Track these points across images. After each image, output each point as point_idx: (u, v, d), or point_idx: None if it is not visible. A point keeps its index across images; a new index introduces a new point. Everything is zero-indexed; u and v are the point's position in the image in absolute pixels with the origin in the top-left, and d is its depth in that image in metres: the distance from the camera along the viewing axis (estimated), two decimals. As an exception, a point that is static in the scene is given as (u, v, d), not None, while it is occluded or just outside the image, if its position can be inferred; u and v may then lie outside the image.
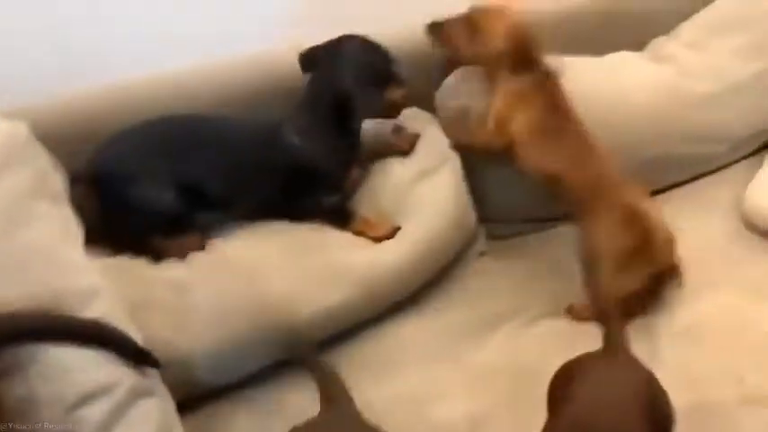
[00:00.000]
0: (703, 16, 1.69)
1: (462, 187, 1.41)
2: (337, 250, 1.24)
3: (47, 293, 0.86)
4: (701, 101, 1.54)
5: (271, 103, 1.31)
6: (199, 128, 1.25)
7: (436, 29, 1.35)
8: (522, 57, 1.31)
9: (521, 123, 1.31)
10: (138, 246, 1.18)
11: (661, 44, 1.66)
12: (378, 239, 1.28)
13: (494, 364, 1.19)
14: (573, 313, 1.27)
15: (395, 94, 1.33)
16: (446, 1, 1.37)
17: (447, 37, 1.36)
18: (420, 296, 1.32)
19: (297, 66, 1.32)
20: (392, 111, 1.37)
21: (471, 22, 1.34)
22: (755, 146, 1.63)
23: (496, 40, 1.31)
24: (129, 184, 1.17)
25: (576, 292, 1.24)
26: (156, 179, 1.18)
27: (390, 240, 1.28)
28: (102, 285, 0.94)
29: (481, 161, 1.43)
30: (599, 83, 1.44)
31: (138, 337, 0.94)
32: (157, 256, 1.18)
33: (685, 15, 1.71)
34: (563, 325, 1.26)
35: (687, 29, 1.67)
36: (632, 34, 1.68)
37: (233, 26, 1.49)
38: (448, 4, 1.36)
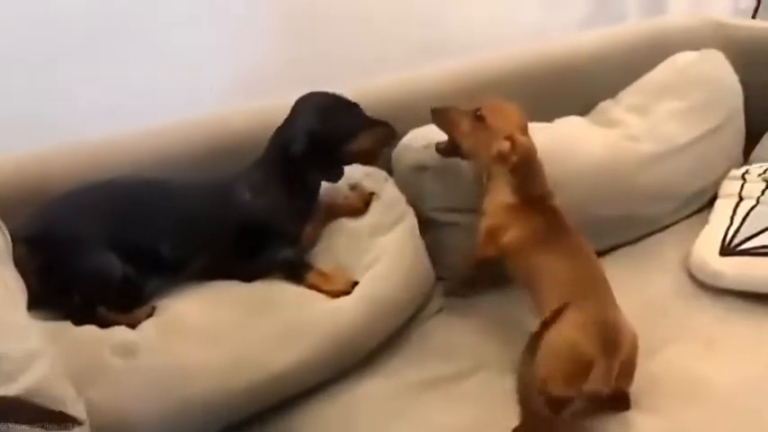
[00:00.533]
0: (644, 82, 1.78)
1: (420, 244, 1.41)
2: (292, 308, 1.22)
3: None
4: (647, 162, 1.60)
5: (220, 165, 1.30)
6: (147, 190, 1.22)
7: (440, 115, 1.33)
8: (524, 169, 1.26)
9: (512, 237, 1.26)
10: (83, 315, 1.12)
11: (607, 108, 1.73)
12: (334, 294, 1.25)
13: (456, 423, 1.16)
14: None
15: (364, 142, 1.31)
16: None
17: (450, 125, 1.33)
18: (379, 353, 1.30)
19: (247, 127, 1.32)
20: (368, 159, 1.36)
21: (479, 118, 1.30)
22: (700, 204, 1.69)
23: (501, 143, 1.26)
24: (73, 250, 1.11)
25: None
26: (101, 245, 1.13)
27: (347, 296, 1.25)
28: (41, 349, 0.89)
29: (433, 221, 1.44)
30: (552, 145, 1.49)
31: (77, 402, 0.89)
32: (104, 325, 1.12)
33: (625, 80, 1.80)
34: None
35: (630, 94, 1.76)
36: (577, 98, 1.75)
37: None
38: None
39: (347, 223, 1.36)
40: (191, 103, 1.41)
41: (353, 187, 1.41)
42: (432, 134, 1.44)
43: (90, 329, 1.11)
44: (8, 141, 1.29)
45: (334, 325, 1.22)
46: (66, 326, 1.10)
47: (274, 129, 1.31)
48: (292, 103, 1.32)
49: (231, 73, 1.61)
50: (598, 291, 1.19)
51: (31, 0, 1.40)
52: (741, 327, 1.34)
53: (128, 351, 1.08)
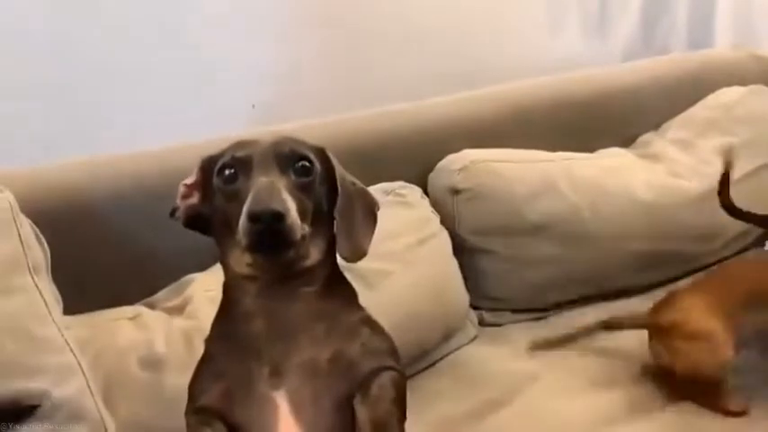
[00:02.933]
0: (688, 116, 1.75)
1: (453, 262, 1.40)
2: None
3: (19, 369, 0.83)
4: (692, 200, 1.56)
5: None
6: None
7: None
8: None
9: None
10: None
11: (649, 141, 1.70)
12: None
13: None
14: None
15: None
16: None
17: None
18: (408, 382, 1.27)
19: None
20: None
21: None
22: (744, 243, 1.64)
23: None
24: None
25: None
26: None
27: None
28: (75, 362, 0.90)
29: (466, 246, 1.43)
30: (597, 177, 1.46)
31: (108, 415, 0.89)
32: None
33: (667, 113, 1.77)
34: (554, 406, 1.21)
35: (674, 128, 1.72)
36: (618, 129, 1.72)
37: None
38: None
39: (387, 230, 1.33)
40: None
41: (388, 192, 1.38)
42: (468, 158, 1.43)
43: (118, 337, 1.10)
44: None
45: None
46: (96, 333, 1.08)
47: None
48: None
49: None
50: None
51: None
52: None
53: (154, 365, 1.06)
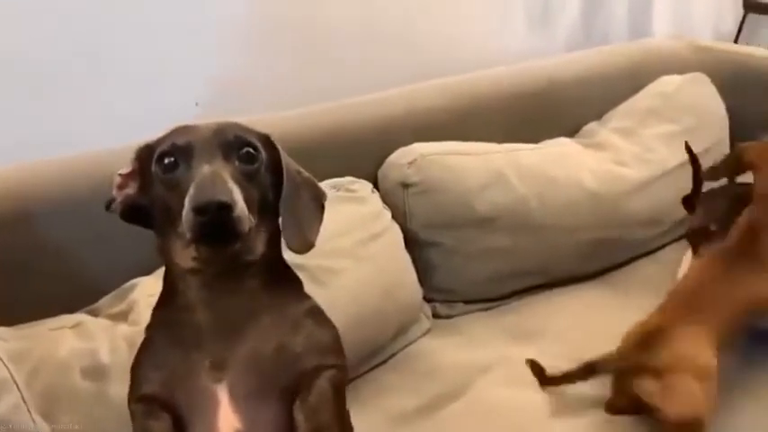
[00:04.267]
0: (630, 105, 1.79)
1: (405, 257, 1.39)
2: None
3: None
4: (637, 187, 1.59)
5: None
6: None
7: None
8: None
9: None
10: None
11: (593, 131, 1.73)
12: None
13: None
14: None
15: None
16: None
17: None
18: (363, 378, 1.27)
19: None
20: None
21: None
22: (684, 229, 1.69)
23: None
24: None
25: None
26: None
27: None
28: (9, 377, 0.88)
29: (418, 239, 1.43)
30: (541, 166, 1.47)
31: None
32: None
33: (610, 103, 1.80)
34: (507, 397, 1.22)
35: (616, 117, 1.76)
36: (562, 120, 1.75)
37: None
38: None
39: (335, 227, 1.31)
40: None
41: (338, 188, 1.36)
42: (417, 151, 1.43)
43: (59, 348, 1.05)
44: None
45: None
46: (35, 344, 1.04)
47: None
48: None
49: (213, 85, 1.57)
50: None
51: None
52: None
53: (98, 375, 1.02)
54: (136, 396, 0.79)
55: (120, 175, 0.85)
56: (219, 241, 0.75)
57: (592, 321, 1.30)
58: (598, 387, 1.20)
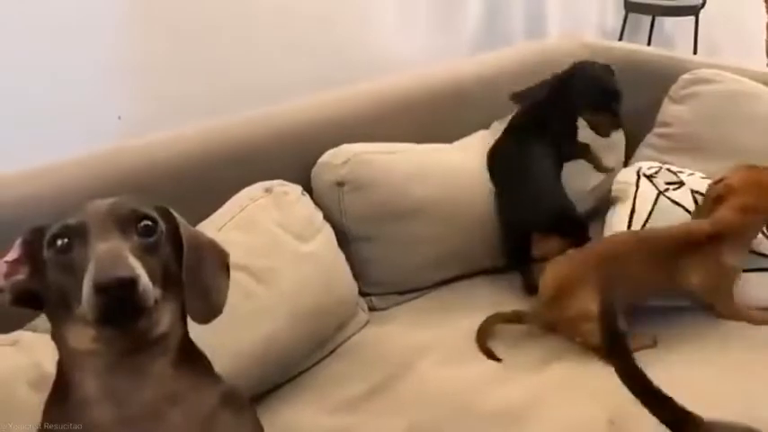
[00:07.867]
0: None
1: (339, 254, 1.44)
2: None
3: None
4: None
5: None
6: None
7: None
8: None
9: None
10: None
11: (498, 129, 1.82)
12: None
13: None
14: None
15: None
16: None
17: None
18: (310, 371, 1.31)
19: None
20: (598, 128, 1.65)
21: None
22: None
23: None
24: None
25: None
26: None
27: (267, 311, 1.24)
28: None
29: (352, 236, 1.48)
30: (463, 164, 1.55)
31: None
32: None
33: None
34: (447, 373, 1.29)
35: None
36: (473, 117, 1.85)
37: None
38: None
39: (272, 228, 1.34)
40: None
41: (269, 191, 1.39)
42: (350, 151, 1.49)
43: (1, 366, 1.03)
44: None
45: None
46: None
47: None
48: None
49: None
50: None
51: None
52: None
53: (47, 384, 1.00)
54: None
55: (5, 262, 0.79)
56: (125, 319, 0.72)
57: (504, 304, 1.44)
58: (531, 356, 1.31)
